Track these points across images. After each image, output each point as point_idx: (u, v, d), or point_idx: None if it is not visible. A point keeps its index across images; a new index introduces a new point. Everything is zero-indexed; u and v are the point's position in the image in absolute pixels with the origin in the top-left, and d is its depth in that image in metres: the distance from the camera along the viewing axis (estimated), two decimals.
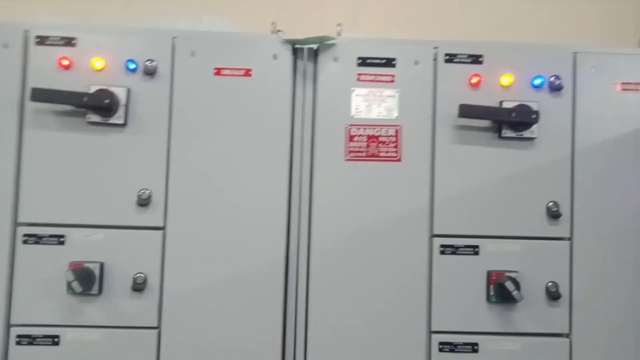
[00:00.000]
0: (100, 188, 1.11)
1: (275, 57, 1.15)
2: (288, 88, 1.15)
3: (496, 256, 1.14)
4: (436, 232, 1.14)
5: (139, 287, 1.09)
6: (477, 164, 1.15)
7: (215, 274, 1.12)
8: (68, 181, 1.11)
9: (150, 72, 1.12)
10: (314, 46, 1.16)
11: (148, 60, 1.12)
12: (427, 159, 1.15)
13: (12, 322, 1.10)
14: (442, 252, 1.14)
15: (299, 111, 1.17)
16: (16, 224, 1.11)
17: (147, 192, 1.11)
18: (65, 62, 1.12)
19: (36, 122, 1.11)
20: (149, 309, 1.11)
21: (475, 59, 1.16)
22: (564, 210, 1.14)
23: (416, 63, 1.16)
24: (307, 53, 1.17)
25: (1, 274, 1.09)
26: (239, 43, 1.15)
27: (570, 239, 1.15)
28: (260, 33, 1.20)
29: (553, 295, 1.12)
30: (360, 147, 1.15)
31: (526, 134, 1.14)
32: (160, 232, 1.12)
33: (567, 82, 1.16)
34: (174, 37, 1.14)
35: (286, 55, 1.15)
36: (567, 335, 1.15)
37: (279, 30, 1.19)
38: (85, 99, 1.08)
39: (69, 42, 1.13)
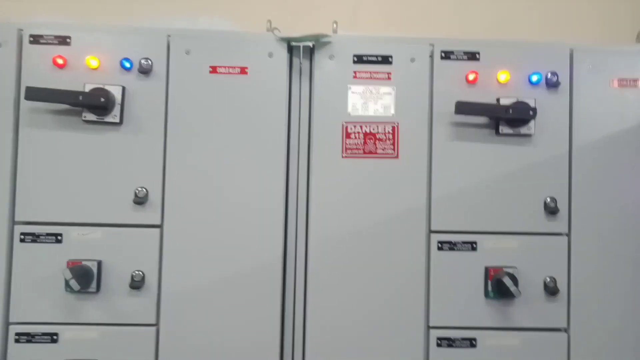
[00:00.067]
0: (97, 186, 1.11)
1: (270, 55, 1.14)
2: (284, 86, 1.15)
3: (494, 252, 1.14)
4: (434, 228, 1.14)
5: (136, 284, 1.09)
6: (475, 160, 1.15)
7: (212, 271, 1.12)
8: (65, 180, 1.11)
9: (145, 71, 1.12)
10: (310, 44, 1.15)
11: (143, 58, 1.11)
12: (424, 156, 1.15)
13: (11, 320, 1.10)
14: (440, 248, 1.14)
15: (295, 109, 1.17)
16: (13, 222, 1.11)
17: (143, 190, 1.11)
18: (60, 61, 1.11)
19: (32, 121, 1.11)
20: (147, 307, 1.11)
21: (472, 56, 1.15)
22: (562, 206, 1.14)
23: (412, 60, 1.16)
24: (302, 51, 1.16)
25: None
26: (235, 41, 1.15)
27: (567, 234, 1.15)
28: (255, 31, 1.19)
29: (551, 290, 1.12)
30: (356, 144, 1.15)
31: (523, 130, 1.14)
32: (157, 230, 1.12)
33: (564, 79, 1.15)
34: (168, 36, 1.14)
35: (282, 53, 1.15)
36: (565, 330, 1.15)
37: (274, 28, 1.18)
38: (80, 98, 1.08)
39: (63, 40, 1.12)
